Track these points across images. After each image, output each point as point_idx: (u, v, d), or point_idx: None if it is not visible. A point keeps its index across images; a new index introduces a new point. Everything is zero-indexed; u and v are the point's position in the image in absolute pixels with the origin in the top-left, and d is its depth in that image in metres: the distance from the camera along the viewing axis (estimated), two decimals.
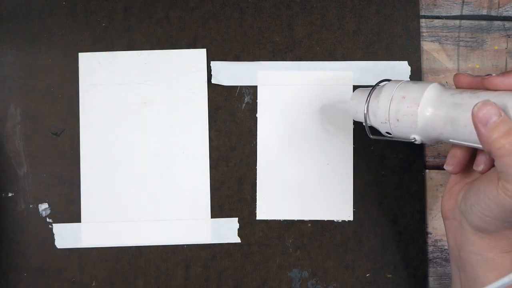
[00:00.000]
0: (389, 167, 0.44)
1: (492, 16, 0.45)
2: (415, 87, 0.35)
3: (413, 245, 0.44)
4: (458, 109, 0.32)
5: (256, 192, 0.44)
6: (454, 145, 0.36)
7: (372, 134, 0.39)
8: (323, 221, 0.44)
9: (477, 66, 0.45)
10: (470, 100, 0.32)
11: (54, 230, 0.44)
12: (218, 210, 0.44)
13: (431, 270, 0.44)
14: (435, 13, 0.45)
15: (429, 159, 0.44)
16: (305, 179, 0.44)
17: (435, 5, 0.45)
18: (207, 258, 0.44)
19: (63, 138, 0.44)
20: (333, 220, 0.44)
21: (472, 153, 0.36)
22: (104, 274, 0.44)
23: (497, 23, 0.45)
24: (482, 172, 0.35)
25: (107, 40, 0.45)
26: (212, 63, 0.44)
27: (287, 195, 0.44)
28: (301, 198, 0.44)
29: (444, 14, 0.45)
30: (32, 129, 0.44)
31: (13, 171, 0.44)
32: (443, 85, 0.35)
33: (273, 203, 0.44)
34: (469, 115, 0.31)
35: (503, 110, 0.30)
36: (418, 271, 0.44)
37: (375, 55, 0.44)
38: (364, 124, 0.38)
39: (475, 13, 0.45)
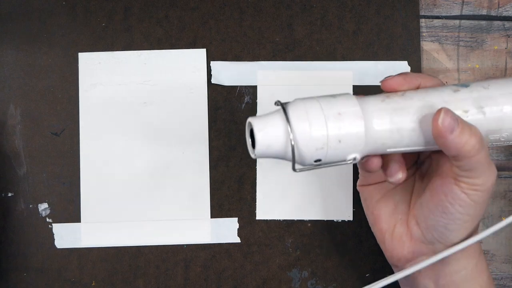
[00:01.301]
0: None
1: (492, 16, 0.45)
2: (340, 99, 0.31)
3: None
4: (401, 115, 0.31)
5: (256, 192, 0.44)
6: (387, 156, 0.34)
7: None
8: (323, 221, 0.44)
9: (477, 66, 0.45)
10: (405, 102, 0.31)
11: (54, 230, 0.44)
12: (218, 210, 0.44)
13: None
14: (435, 13, 0.45)
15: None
16: (305, 179, 0.44)
17: (435, 5, 0.45)
18: (207, 258, 0.44)
19: (63, 138, 0.44)
20: (333, 220, 0.44)
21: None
22: (104, 274, 0.44)
23: (497, 23, 0.45)
24: (401, 180, 0.33)
25: (107, 40, 0.45)
26: (212, 63, 0.44)
27: (287, 195, 0.44)
28: (301, 198, 0.44)
29: (444, 14, 0.45)
30: (32, 129, 0.44)
31: (13, 171, 0.44)
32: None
33: (273, 203, 0.44)
34: (414, 118, 0.31)
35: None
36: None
37: (375, 55, 0.44)
38: (286, 157, 0.31)
39: (475, 13, 0.45)
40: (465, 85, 0.32)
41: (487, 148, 0.31)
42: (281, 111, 0.31)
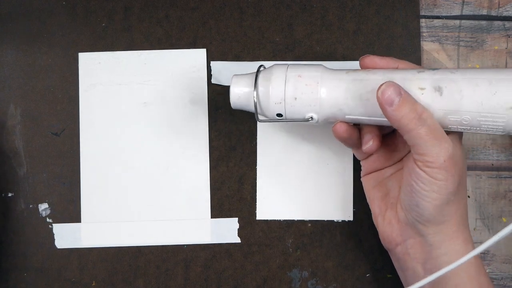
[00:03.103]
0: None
1: (492, 16, 0.45)
2: (307, 67, 0.36)
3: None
4: (358, 85, 0.34)
5: (256, 192, 0.44)
6: (364, 126, 0.38)
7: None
8: (323, 221, 0.44)
9: (477, 66, 0.45)
10: (367, 75, 0.34)
11: (54, 230, 0.44)
12: (218, 210, 0.44)
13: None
14: (435, 13, 0.45)
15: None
16: (305, 179, 0.44)
17: (435, 5, 0.45)
18: (207, 258, 0.44)
19: (63, 138, 0.44)
20: (333, 220, 0.44)
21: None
22: (104, 274, 0.44)
23: (497, 23, 0.45)
24: (372, 149, 0.37)
25: (107, 40, 0.45)
26: (212, 63, 0.44)
27: (287, 195, 0.44)
28: (301, 198, 0.44)
29: (444, 14, 0.45)
30: (32, 129, 0.44)
31: (13, 171, 0.44)
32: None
33: (273, 203, 0.44)
34: (369, 89, 0.34)
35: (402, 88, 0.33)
36: None
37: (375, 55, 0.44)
38: (252, 109, 0.37)
39: (475, 13, 0.45)
40: (434, 68, 0.34)
41: (433, 126, 0.32)
42: (257, 71, 0.37)
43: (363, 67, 0.36)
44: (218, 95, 0.44)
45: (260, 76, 0.36)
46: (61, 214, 0.44)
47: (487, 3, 0.45)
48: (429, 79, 0.33)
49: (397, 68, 0.35)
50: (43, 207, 0.44)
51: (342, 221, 0.44)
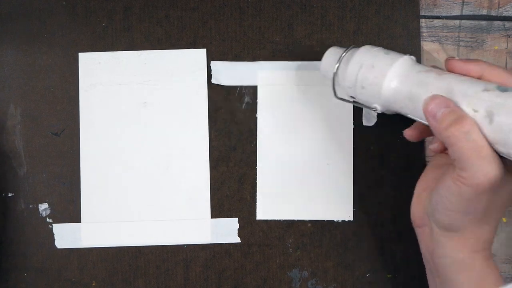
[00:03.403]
0: (389, 167, 0.44)
1: (492, 16, 0.45)
2: (387, 57, 0.35)
3: (413, 245, 0.44)
4: (420, 88, 0.33)
5: (256, 192, 0.44)
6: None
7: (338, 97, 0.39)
8: (323, 221, 0.44)
9: None
10: (434, 81, 0.33)
11: (54, 230, 0.44)
12: (218, 210, 0.44)
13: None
14: (435, 13, 0.45)
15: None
16: (305, 179, 0.44)
17: (435, 5, 0.45)
18: (207, 258, 0.44)
19: (63, 138, 0.44)
20: (333, 220, 0.44)
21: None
22: (104, 274, 0.44)
23: (497, 23, 0.45)
24: (437, 150, 0.37)
25: (107, 40, 0.45)
26: (212, 63, 0.44)
27: (287, 195, 0.44)
28: (301, 198, 0.44)
29: (444, 14, 0.45)
30: (32, 129, 0.44)
31: (13, 171, 0.44)
32: (414, 59, 0.36)
33: (273, 203, 0.44)
34: (427, 95, 0.33)
35: (455, 100, 0.31)
36: (418, 271, 0.44)
37: None
38: (331, 84, 0.39)
39: (475, 13, 0.45)
40: (504, 89, 0.31)
41: (479, 143, 0.30)
42: (346, 49, 0.38)
43: (447, 68, 0.35)
44: (218, 95, 0.44)
45: (346, 56, 0.38)
46: (61, 214, 0.44)
47: (487, 3, 0.45)
48: (487, 101, 0.30)
49: (480, 77, 0.33)
50: (43, 207, 0.44)
51: (342, 221, 0.44)
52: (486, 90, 0.31)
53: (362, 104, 0.38)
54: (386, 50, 0.36)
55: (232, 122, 0.44)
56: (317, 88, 0.44)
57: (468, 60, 0.34)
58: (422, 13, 0.45)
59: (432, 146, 0.37)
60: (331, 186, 0.44)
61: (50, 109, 0.44)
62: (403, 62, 0.35)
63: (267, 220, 0.44)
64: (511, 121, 0.29)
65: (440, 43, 0.45)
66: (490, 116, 0.30)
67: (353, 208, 0.44)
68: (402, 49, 0.44)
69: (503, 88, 0.31)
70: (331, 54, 0.39)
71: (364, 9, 0.45)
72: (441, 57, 0.45)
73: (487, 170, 0.30)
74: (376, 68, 0.35)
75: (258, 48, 0.45)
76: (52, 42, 0.45)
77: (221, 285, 0.44)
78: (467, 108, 0.31)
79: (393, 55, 0.36)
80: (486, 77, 0.33)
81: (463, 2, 0.45)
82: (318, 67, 0.41)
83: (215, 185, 0.44)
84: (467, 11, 0.45)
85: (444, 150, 0.36)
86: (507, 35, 0.45)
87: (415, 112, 0.34)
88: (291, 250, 0.44)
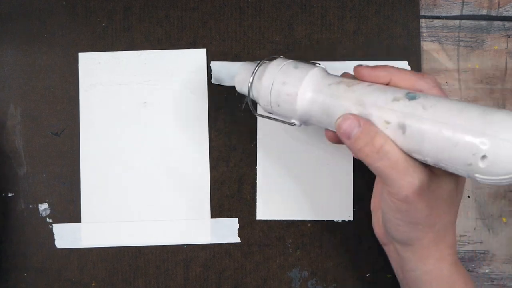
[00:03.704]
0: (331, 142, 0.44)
1: (492, 16, 0.45)
2: (297, 72, 0.35)
3: None
4: (333, 102, 0.33)
5: (256, 192, 0.44)
6: None
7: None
8: (323, 221, 0.44)
9: (477, 66, 0.45)
10: (344, 93, 0.33)
11: (54, 230, 0.44)
12: (218, 210, 0.44)
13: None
14: (435, 13, 0.45)
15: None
16: (305, 179, 0.44)
17: (435, 5, 0.45)
18: (207, 258, 0.44)
19: (63, 138, 0.44)
20: (333, 220, 0.44)
21: None
22: (104, 274, 0.44)
23: (497, 23, 0.45)
24: (334, 141, 0.37)
25: (107, 40, 0.45)
26: (212, 63, 0.44)
27: (287, 195, 0.44)
28: (301, 198, 0.44)
29: (444, 14, 0.45)
30: (32, 129, 0.44)
31: (13, 171, 0.44)
32: (325, 70, 0.36)
33: (273, 203, 0.44)
34: (342, 110, 0.32)
35: (367, 113, 0.31)
36: None
37: (375, 55, 0.44)
38: (248, 101, 0.39)
39: (475, 13, 0.45)
40: (412, 96, 0.30)
41: (394, 159, 0.30)
42: (257, 65, 0.37)
43: (356, 76, 0.35)
44: (218, 95, 0.44)
45: (256, 75, 0.37)
46: (61, 214, 0.44)
47: (487, 3, 0.45)
48: (398, 112, 0.30)
49: (388, 83, 0.33)
50: (43, 207, 0.44)
51: (342, 221, 0.44)
52: (395, 99, 0.31)
53: (281, 120, 0.37)
54: (296, 63, 0.36)
55: (232, 122, 0.44)
56: None
57: (375, 66, 0.33)
58: (422, 13, 0.45)
59: (329, 139, 0.37)
60: (331, 186, 0.44)
61: (50, 109, 0.44)
62: (313, 75, 0.34)
63: (267, 220, 0.44)
64: (421, 131, 0.29)
65: (440, 43, 0.45)
66: (402, 127, 0.30)
67: (353, 208, 0.44)
68: (402, 49, 0.44)
69: (411, 96, 0.30)
70: (244, 70, 0.38)
71: (364, 9, 0.45)
72: (441, 57, 0.45)
73: (409, 181, 0.30)
74: (287, 85, 0.35)
75: (258, 48, 0.45)
76: (52, 42, 0.45)
77: (221, 285, 0.44)
78: (379, 120, 0.31)
79: (302, 68, 0.35)
80: (394, 82, 0.33)
81: (463, 2, 0.45)
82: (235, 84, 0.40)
83: (215, 185, 0.44)
84: (467, 11, 0.45)
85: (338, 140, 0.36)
86: (507, 35, 0.45)
87: (331, 125, 0.34)
88: (291, 250, 0.44)
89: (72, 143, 0.44)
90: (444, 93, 0.33)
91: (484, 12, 0.45)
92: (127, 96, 0.44)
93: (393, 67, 0.33)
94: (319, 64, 0.36)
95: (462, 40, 0.45)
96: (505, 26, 0.45)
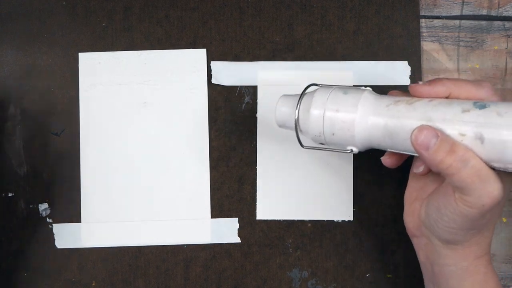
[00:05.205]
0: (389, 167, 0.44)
1: (492, 16, 0.45)
2: (348, 98, 0.34)
3: (413, 245, 0.44)
4: (396, 123, 0.32)
5: (256, 192, 0.44)
6: None
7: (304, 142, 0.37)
8: (323, 221, 0.44)
9: (477, 66, 0.45)
10: (407, 112, 0.32)
11: (54, 230, 0.44)
12: (218, 210, 0.44)
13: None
14: (435, 13, 0.45)
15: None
16: (305, 179, 0.44)
17: (435, 5, 0.45)
18: (207, 258, 0.44)
19: (63, 138, 0.44)
20: (333, 220, 0.44)
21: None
22: (104, 274, 0.44)
23: (497, 23, 0.45)
24: (423, 174, 0.36)
25: (107, 40, 0.45)
26: (212, 63, 0.44)
27: (287, 195, 0.44)
28: (301, 198, 0.44)
29: (444, 14, 0.45)
30: (32, 129, 0.44)
31: (13, 171, 0.44)
32: (373, 92, 0.35)
33: (273, 203, 0.44)
34: (407, 129, 0.32)
35: (438, 127, 0.31)
36: (418, 271, 0.44)
37: (375, 55, 0.44)
38: (296, 134, 0.37)
39: (475, 13, 0.45)
40: (482, 105, 0.30)
41: (477, 166, 0.30)
42: (300, 97, 0.36)
43: (413, 95, 0.34)
44: (218, 95, 0.44)
45: (301, 106, 0.35)
46: (61, 214, 0.44)
47: (487, 3, 0.45)
48: (472, 123, 0.30)
49: (447, 97, 0.32)
50: (43, 207, 0.44)
51: (342, 221, 0.44)
52: (465, 111, 0.30)
53: (334, 149, 0.36)
54: (343, 89, 0.35)
55: (232, 122, 0.44)
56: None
57: (432, 82, 0.33)
58: (422, 13, 0.45)
59: (417, 171, 0.36)
60: (331, 186, 0.44)
61: (50, 109, 0.44)
62: (366, 99, 0.34)
63: (267, 220, 0.44)
64: (502, 137, 0.29)
65: (440, 43, 0.45)
66: (479, 137, 0.30)
67: (353, 208, 0.44)
68: (402, 49, 0.44)
69: (480, 105, 0.30)
70: (284, 104, 0.37)
71: (364, 9, 0.45)
72: (441, 57, 0.45)
73: (489, 190, 0.30)
74: (341, 112, 0.34)
75: (258, 48, 0.45)
76: (52, 42, 0.45)
77: (221, 285, 0.44)
78: (452, 132, 0.30)
79: (352, 93, 0.34)
80: (454, 95, 0.32)
81: (463, 2, 0.45)
82: (274, 118, 0.38)
83: (215, 185, 0.44)
84: (467, 11, 0.45)
85: (429, 172, 0.36)
86: (507, 35, 0.45)
87: (394, 146, 0.33)
88: (291, 250, 0.44)
89: (72, 143, 0.44)
90: (501, 98, 0.33)
91: (484, 12, 0.45)
92: (127, 96, 0.44)
93: (448, 79, 0.33)
94: (365, 87, 0.35)
95: (462, 40, 0.45)
96: (505, 26, 0.45)
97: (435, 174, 0.36)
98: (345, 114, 0.33)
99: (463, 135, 0.30)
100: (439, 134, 0.30)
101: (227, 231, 0.44)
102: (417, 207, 0.37)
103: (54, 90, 0.45)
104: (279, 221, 0.44)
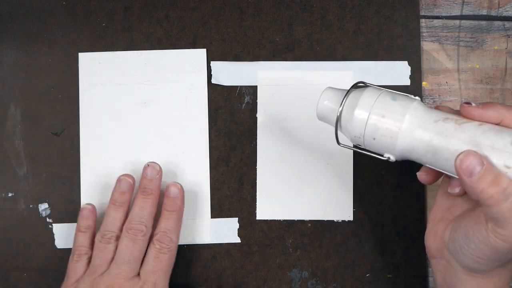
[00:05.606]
0: (389, 167, 0.44)
1: (492, 16, 0.45)
2: (396, 106, 0.33)
3: (413, 245, 0.44)
4: (442, 142, 0.31)
5: (256, 192, 0.44)
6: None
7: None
8: (323, 221, 0.44)
9: (477, 66, 0.45)
10: (455, 132, 0.31)
11: (54, 230, 0.44)
12: (218, 210, 0.44)
13: (431, 270, 0.44)
14: (435, 13, 0.45)
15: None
16: (305, 179, 0.44)
17: (435, 5, 0.45)
18: (207, 258, 0.44)
19: (63, 138, 0.44)
20: (333, 220, 0.44)
21: None
22: None
23: (497, 23, 0.45)
24: (459, 195, 0.35)
25: (107, 40, 0.45)
26: (212, 63, 0.44)
27: (287, 195, 0.44)
28: (301, 198, 0.44)
29: (444, 14, 0.45)
30: (32, 129, 0.44)
31: (13, 171, 0.44)
32: (424, 103, 0.34)
33: (273, 203, 0.44)
34: (452, 150, 0.31)
35: (484, 154, 0.30)
36: (418, 271, 0.44)
37: (375, 55, 0.44)
38: (334, 130, 0.36)
39: (475, 13, 0.45)
40: None
41: None
42: (346, 94, 0.35)
43: (463, 114, 0.33)
44: (218, 95, 0.44)
45: (346, 104, 0.34)
46: (61, 214, 0.44)
47: (487, 3, 0.45)
48: None
49: (498, 123, 0.32)
50: (43, 207, 0.44)
51: (342, 221, 0.44)
52: None
53: (370, 153, 0.35)
54: (392, 94, 0.34)
55: (232, 122, 0.44)
56: (317, 88, 0.44)
57: (485, 105, 0.32)
58: (422, 13, 0.45)
59: (452, 192, 0.35)
60: (331, 186, 0.44)
61: (50, 109, 0.44)
62: (415, 110, 0.33)
63: (267, 220, 0.44)
64: None
65: (440, 43, 0.45)
66: None
67: (353, 208, 0.44)
68: (402, 49, 0.44)
69: None
70: (329, 97, 0.36)
71: (364, 9, 0.45)
72: (441, 57, 0.45)
73: None
74: (387, 119, 0.32)
75: (258, 48, 0.45)
76: (52, 42, 0.45)
77: (221, 285, 0.44)
78: (498, 162, 0.30)
79: (401, 101, 0.33)
80: (506, 122, 0.32)
81: (463, 2, 0.45)
82: (316, 110, 0.36)
83: (215, 185, 0.44)
84: (467, 11, 0.45)
85: (464, 194, 0.35)
86: (507, 35, 0.45)
87: (435, 163, 0.32)
88: (291, 250, 0.44)
89: (72, 143, 0.44)
90: None
91: (484, 12, 0.45)
92: (127, 96, 0.44)
93: (502, 105, 0.32)
94: (415, 96, 0.34)
95: (462, 40, 0.45)
96: (505, 26, 0.45)
97: (467, 196, 0.35)
98: (391, 121, 0.32)
99: (508, 167, 0.29)
100: (484, 162, 0.30)
101: (227, 231, 0.44)
102: (441, 228, 0.36)
103: (54, 90, 0.45)
104: (279, 221, 0.44)
